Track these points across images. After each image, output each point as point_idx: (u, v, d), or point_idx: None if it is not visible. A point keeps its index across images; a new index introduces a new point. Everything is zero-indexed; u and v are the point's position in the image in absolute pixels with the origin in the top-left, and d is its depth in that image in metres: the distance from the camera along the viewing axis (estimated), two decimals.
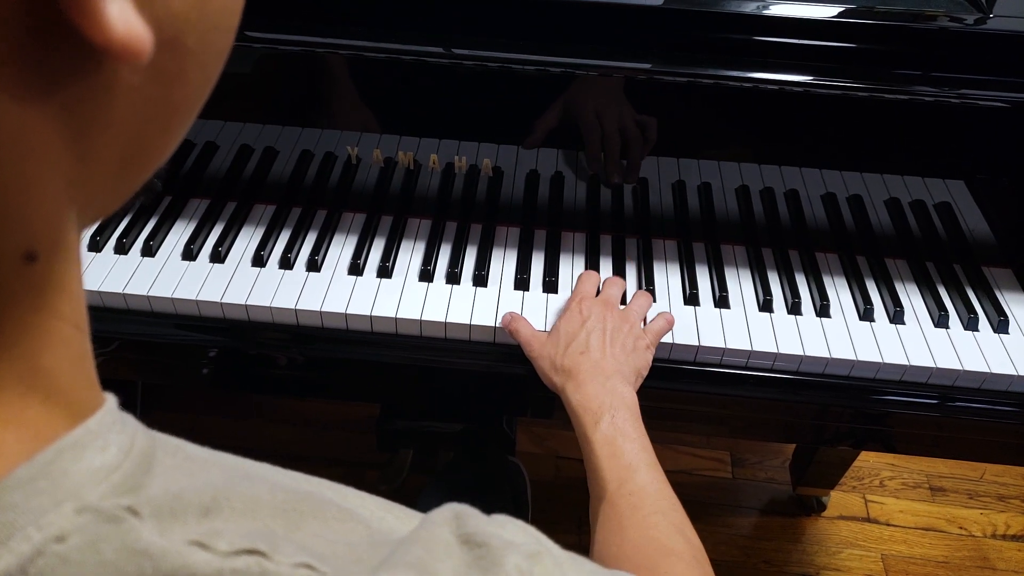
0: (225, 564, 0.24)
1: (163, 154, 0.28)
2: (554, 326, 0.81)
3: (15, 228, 0.24)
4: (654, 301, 0.86)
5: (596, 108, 0.85)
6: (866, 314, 0.86)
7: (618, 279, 0.86)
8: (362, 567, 0.27)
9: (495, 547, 0.29)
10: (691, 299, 0.88)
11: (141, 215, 0.92)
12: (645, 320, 0.84)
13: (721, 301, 0.87)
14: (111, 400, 0.28)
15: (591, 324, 0.78)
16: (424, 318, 0.83)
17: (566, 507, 1.54)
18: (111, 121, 0.24)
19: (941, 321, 0.86)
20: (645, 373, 0.79)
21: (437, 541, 0.29)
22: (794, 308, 0.87)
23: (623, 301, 0.85)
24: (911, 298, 0.89)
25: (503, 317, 0.83)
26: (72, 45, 0.21)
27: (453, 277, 0.87)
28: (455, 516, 0.31)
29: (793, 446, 1.65)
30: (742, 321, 0.85)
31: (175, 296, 0.84)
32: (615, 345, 0.77)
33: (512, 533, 0.32)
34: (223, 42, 0.27)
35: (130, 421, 0.28)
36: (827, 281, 0.90)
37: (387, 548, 0.28)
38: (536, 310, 0.85)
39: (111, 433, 0.26)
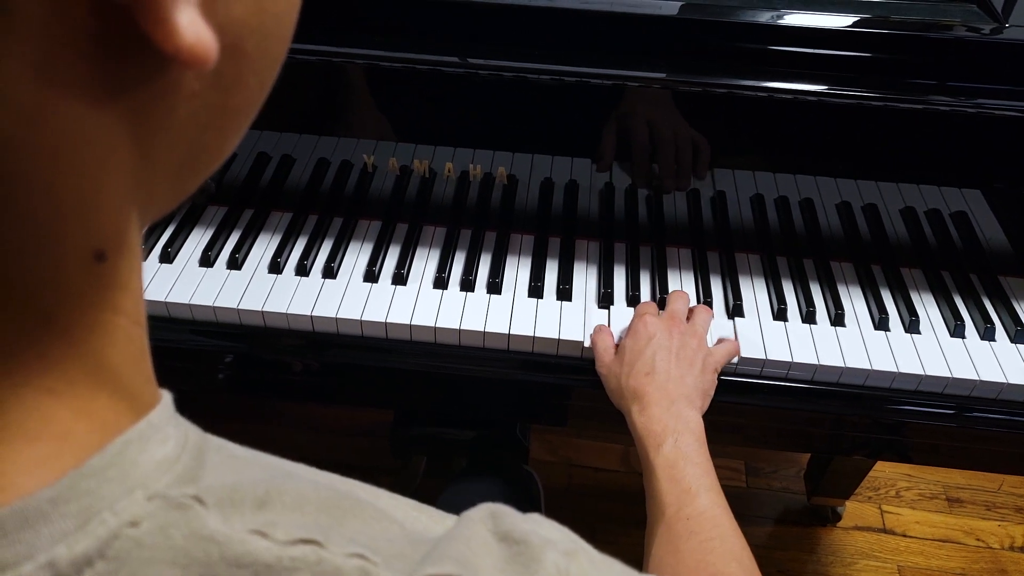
0: (284, 552, 0.25)
1: (219, 157, 0.29)
2: (620, 344, 0.80)
3: (87, 229, 0.25)
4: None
5: (639, 116, 0.85)
6: (881, 323, 0.86)
7: (683, 293, 0.85)
8: (405, 561, 0.27)
9: (534, 544, 0.29)
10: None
11: (159, 222, 0.93)
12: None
13: (735, 310, 0.87)
14: (167, 396, 0.29)
15: (656, 343, 0.77)
16: (438, 325, 0.84)
17: (580, 516, 1.54)
18: (172, 125, 0.25)
19: (957, 331, 0.85)
20: (712, 394, 0.78)
21: (476, 538, 0.29)
22: (808, 317, 0.86)
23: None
24: (927, 307, 0.88)
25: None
26: (141, 51, 0.22)
27: (467, 284, 0.88)
28: (491, 514, 0.31)
29: (808, 456, 1.64)
30: (756, 330, 0.85)
31: (192, 302, 0.85)
32: (682, 364, 0.76)
33: (548, 531, 0.32)
34: (278, 49, 0.28)
35: (181, 418, 0.29)
36: (842, 290, 0.90)
37: (425, 545, 0.29)
38: (550, 318, 0.85)
39: (169, 427, 0.27)
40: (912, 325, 0.86)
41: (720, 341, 0.83)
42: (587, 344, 0.83)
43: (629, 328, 0.81)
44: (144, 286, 0.84)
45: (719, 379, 0.82)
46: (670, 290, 0.89)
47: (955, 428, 0.84)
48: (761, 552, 1.55)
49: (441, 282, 0.88)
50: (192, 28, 0.21)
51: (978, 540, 1.58)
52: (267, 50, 0.27)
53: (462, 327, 0.84)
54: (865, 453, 0.93)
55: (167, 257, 0.89)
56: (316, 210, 0.96)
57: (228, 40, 0.24)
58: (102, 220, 0.25)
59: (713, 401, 0.78)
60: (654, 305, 0.85)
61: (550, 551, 0.29)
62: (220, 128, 0.28)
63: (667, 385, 0.74)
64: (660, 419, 0.71)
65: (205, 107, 0.26)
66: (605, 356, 0.80)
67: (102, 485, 0.24)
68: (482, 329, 0.84)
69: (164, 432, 0.27)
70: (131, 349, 0.28)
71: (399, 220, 0.95)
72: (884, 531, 1.59)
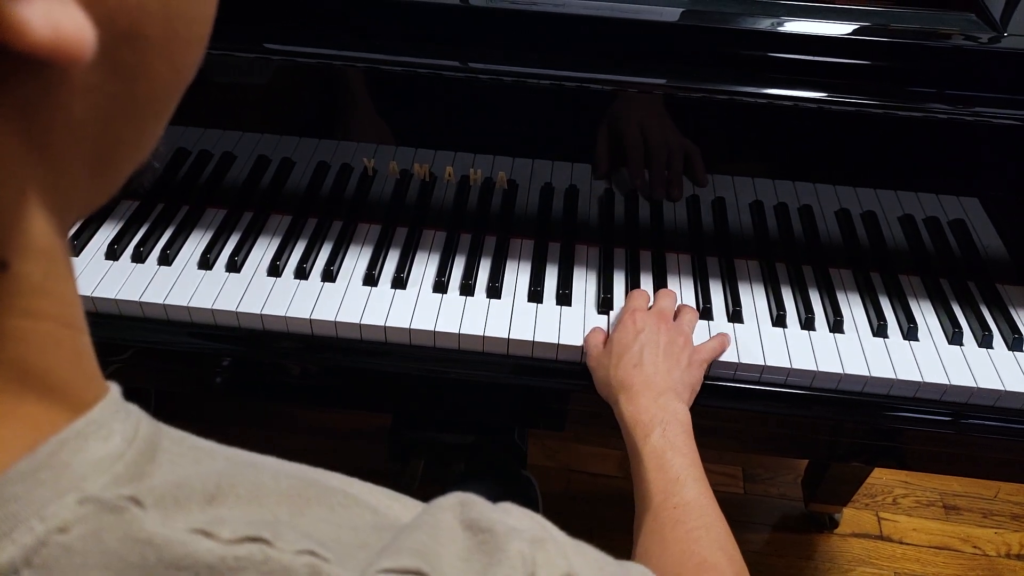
0: (228, 551, 0.24)
1: (139, 149, 0.28)
2: (608, 338, 0.81)
3: None
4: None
5: (639, 122, 0.85)
6: (880, 330, 0.86)
7: (670, 291, 0.87)
8: (366, 552, 0.27)
9: (499, 532, 0.29)
10: (704, 313, 0.88)
11: (159, 224, 0.93)
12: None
13: (735, 316, 0.87)
14: (114, 389, 0.28)
15: (644, 337, 0.78)
16: (438, 329, 0.84)
17: (578, 521, 1.53)
18: (72, 121, 0.24)
19: (955, 338, 0.86)
20: (698, 389, 0.79)
21: (441, 526, 0.29)
22: (807, 323, 0.86)
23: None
24: (925, 315, 0.89)
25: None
26: (1, 49, 0.20)
27: (467, 289, 0.88)
28: (459, 503, 0.31)
29: (806, 462, 1.64)
30: (755, 336, 0.85)
31: (191, 305, 0.85)
32: (669, 359, 0.76)
33: (517, 519, 0.32)
34: (192, 31, 0.26)
35: (134, 410, 0.28)
36: (840, 297, 0.90)
37: (391, 533, 0.28)
38: (549, 323, 0.85)
39: (115, 422, 0.26)
40: (910, 332, 0.86)
41: (714, 337, 0.83)
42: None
43: (618, 322, 0.82)
44: (143, 288, 0.85)
45: (717, 385, 0.83)
46: None
47: (952, 435, 0.84)
48: (758, 558, 1.55)
49: (441, 286, 0.88)
50: (47, 22, 0.19)
51: (974, 547, 1.58)
52: (175, 33, 0.25)
53: (461, 331, 0.84)
54: (863, 459, 0.94)
55: (166, 260, 0.89)
56: (316, 213, 0.96)
57: (123, 27, 0.23)
58: None
59: (712, 407, 0.78)
60: (645, 296, 0.86)
61: (515, 540, 0.29)
62: (132, 118, 0.26)
63: (654, 377, 0.75)
64: (648, 409, 0.72)
65: (108, 98, 0.24)
66: (594, 350, 0.81)
67: (32, 489, 0.23)
68: (481, 334, 0.84)
69: (107, 428, 0.26)
70: (61, 351, 0.26)
71: (399, 224, 0.95)
72: (881, 538, 1.59)
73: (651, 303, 0.86)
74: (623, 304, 0.88)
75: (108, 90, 0.24)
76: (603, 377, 0.78)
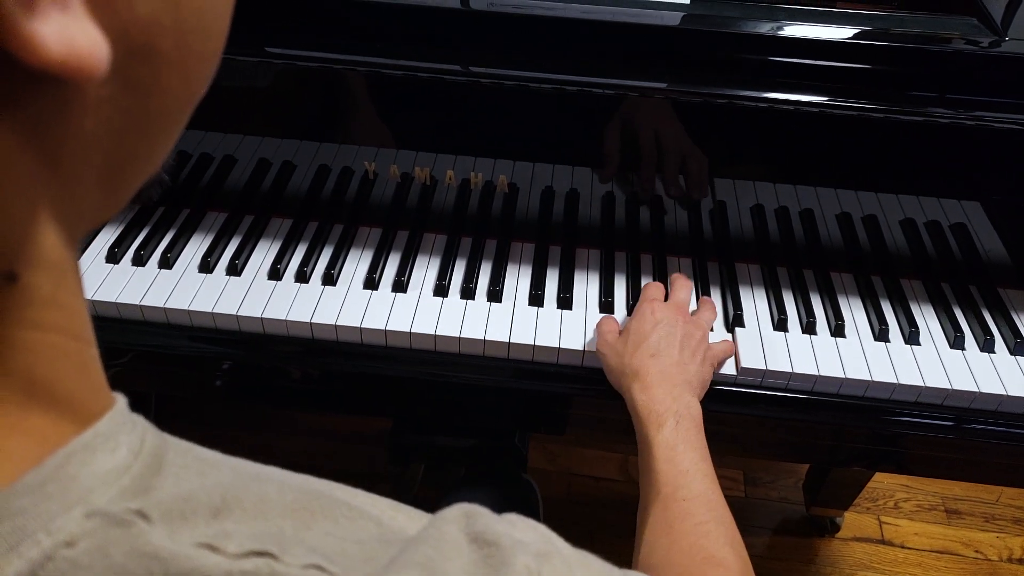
0: (234, 566, 0.24)
1: (150, 163, 0.28)
2: (625, 327, 0.81)
3: None
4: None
5: (640, 126, 0.85)
6: (881, 334, 0.86)
7: (688, 282, 0.86)
8: (372, 565, 0.27)
9: (505, 546, 0.29)
10: None
11: (160, 227, 0.93)
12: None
13: (735, 320, 0.87)
14: (121, 401, 0.28)
15: (663, 329, 0.78)
16: (438, 333, 0.84)
17: (578, 525, 1.53)
18: (83, 134, 0.24)
19: (957, 342, 0.85)
20: (708, 386, 0.79)
21: (446, 540, 0.29)
22: (808, 328, 0.86)
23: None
24: (927, 319, 0.88)
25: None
26: (14, 64, 0.20)
27: (468, 292, 0.88)
28: (465, 515, 0.31)
29: (807, 466, 1.64)
30: (756, 340, 0.85)
31: (191, 308, 0.84)
32: (684, 353, 0.76)
33: (522, 532, 0.32)
34: (206, 45, 0.26)
35: (140, 421, 0.28)
36: (842, 301, 0.90)
37: (397, 546, 0.28)
38: (550, 327, 0.85)
39: (121, 434, 0.26)
40: (912, 336, 0.86)
41: (721, 341, 0.83)
42: (588, 350, 0.83)
43: (636, 310, 0.82)
44: (143, 292, 0.85)
45: (718, 389, 0.83)
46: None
47: (954, 440, 0.84)
48: (759, 562, 1.54)
49: (441, 290, 0.88)
50: (60, 38, 0.19)
51: (976, 552, 1.58)
52: (189, 48, 0.25)
53: (462, 335, 0.84)
54: (864, 464, 0.93)
55: (166, 263, 0.89)
56: (316, 217, 0.96)
57: (136, 42, 0.23)
58: (8, 239, 0.23)
59: (713, 411, 0.78)
60: (662, 288, 0.85)
61: (521, 553, 0.29)
62: (144, 133, 0.26)
63: (670, 369, 0.74)
64: (662, 400, 0.72)
65: (120, 112, 0.24)
66: (609, 335, 0.80)
67: (39, 503, 0.23)
68: (482, 337, 0.84)
69: (114, 440, 0.26)
70: (68, 363, 0.26)
71: (400, 227, 0.95)
72: (882, 542, 1.58)
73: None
74: (623, 309, 0.88)
75: (121, 105, 0.24)
76: (616, 364, 0.78)
